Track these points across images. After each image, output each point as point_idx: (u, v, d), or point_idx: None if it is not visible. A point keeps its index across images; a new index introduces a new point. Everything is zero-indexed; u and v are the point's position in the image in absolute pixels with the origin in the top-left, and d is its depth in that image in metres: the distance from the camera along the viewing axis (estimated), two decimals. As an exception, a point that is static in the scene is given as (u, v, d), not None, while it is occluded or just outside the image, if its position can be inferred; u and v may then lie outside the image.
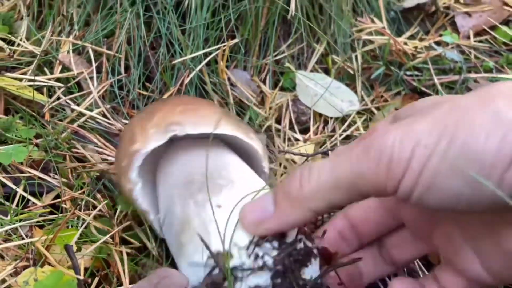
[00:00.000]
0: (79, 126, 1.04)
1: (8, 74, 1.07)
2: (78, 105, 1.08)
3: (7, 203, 0.87)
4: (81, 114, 1.06)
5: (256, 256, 0.60)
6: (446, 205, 0.52)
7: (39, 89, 1.09)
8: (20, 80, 1.07)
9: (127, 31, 1.18)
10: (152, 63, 1.18)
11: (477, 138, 0.48)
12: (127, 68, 1.19)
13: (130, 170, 0.72)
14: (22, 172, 0.93)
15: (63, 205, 0.88)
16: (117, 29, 1.18)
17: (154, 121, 0.73)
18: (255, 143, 0.77)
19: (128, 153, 0.72)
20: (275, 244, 0.62)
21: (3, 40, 1.16)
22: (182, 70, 1.17)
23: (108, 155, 0.99)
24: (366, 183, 0.54)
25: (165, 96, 1.13)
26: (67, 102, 1.08)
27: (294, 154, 1.03)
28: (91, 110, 1.07)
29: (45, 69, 1.14)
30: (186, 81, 1.14)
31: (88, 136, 1.02)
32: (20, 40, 1.16)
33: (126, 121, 1.09)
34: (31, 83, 1.06)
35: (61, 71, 1.13)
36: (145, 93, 1.16)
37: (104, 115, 1.08)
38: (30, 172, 0.92)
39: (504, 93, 0.50)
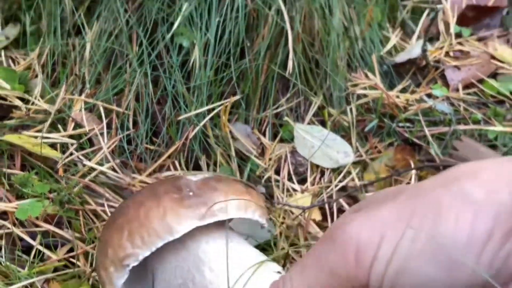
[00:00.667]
0: (90, 180, 1.11)
1: (25, 132, 1.14)
2: (89, 160, 1.16)
3: (24, 256, 0.93)
4: (92, 169, 1.14)
5: None
6: None
7: (53, 146, 1.16)
8: (36, 137, 1.15)
9: (136, 89, 1.26)
10: (159, 119, 1.26)
11: (446, 221, 0.48)
12: (135, 123, 1.27)
13: None
14: (37, 226, 1.00)
15: (77, 262, 0.94)
16: (126, 87, 1.26)
17: (109, 257, 0.72)
18: (224, 215, 0.73)
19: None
20: None
21: (20, 99, 1.24)
22: (187, 125, 1.24)
23: (118, 209, 1.06)
24: (338, 279, 0.52)
25: (170, 150, 1.21)
26: (79, 158, 1.15)
27: (291, 206, 1.10)
28: (102, 165, 1.14)
29: (59, 126, 1.21)
30: (190, 136, 1.22)
31: (99, 190, 1.09)
32: (35, 98, 1.25)
33: (135, 175, 1.16)
34: (46, 140, 1.14)
35: (74, 128, 1.20)
36: (152, 147, 1.23)
37: (113, 169, 1.15)
38: (45, 227, 0.99)
39: (468, 174, 0.50)
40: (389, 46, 1.54)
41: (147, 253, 0.69)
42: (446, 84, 1.47)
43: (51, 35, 1.36)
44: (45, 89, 1.30)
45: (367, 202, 0.59)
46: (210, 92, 1.28)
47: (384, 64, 1.50)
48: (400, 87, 1.47)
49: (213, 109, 1.24)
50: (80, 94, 1.27)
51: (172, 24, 1.26)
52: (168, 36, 1.27)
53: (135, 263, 0.69)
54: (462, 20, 1.64)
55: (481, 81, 1.48)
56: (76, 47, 1.33)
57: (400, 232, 0.50)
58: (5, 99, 1.23)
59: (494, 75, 1.50)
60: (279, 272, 0.68)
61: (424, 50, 1.45)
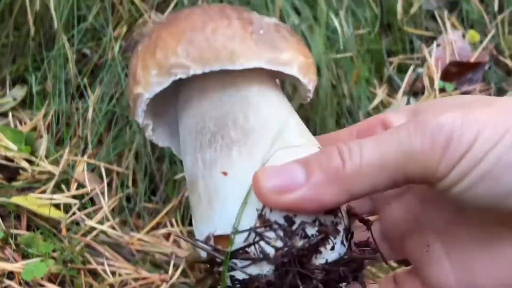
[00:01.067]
0: (91, 239, 1.18)
1: (32, 194, 1.22)
2: (91, 219, 1.23)
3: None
4: (93, 228, 1.21)
5: (257, 244, 0.54)
6: (489, 202, 0.49)
7: (57, 205, 1.23)
8: (41, 198, 1.22)
9: (135, 149, 1.34)
10: (157, 178, 1.34)
11: None
12: (134, 182, 1.34)
13: (136, 115, 0.64)
14: (42, 286, 1.06)
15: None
16: (126, 149, 1.34)
17: (156, 58, 0.60)
18: (289, 69, 0.62)
19: (132, 96, 0.64)
20: (281, 231, 0.54)
21: (26, 160, 1.32)
22: (183, 183, 1.32)
23: (119, 267, 1.13)
24: (416, 165, 0.49)
25: (167, 208, 1.28)
26: (81, 217, 1.22)
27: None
28: (102, 223, 1.22)
29: (63, 185, 1.29)
30: (186, 194, 1.29)
31: (99, 249, 1.16)
32: (40, 159, 1.32)
33: (133, 233, 1.23)
34: (50, 201, 1.21)
35: (77, 188, 1.28)
36: (150, 205, 1.31)
37: (113, 228, 1.22)
38: (49, 286, 1.06)
39: None
40: (376, 101, 1.62)
41: (199, 72, 0.58)
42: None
43: (56, 96, 1.44)
44: (49, 150, 1.38)
45: (431, 107, 0.57)
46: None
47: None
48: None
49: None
50: (82, 155, 1.35)
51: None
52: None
53: (183, 76, 0.58)
54: (446, 75, 1.72)
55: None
56: (80, 109, 1.41)
57: (498, 136, 0.47)
58: (12, 161, 1.31)
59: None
60: (320, 148, 0.61)
61: (408, 108, 1.53)
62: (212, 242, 0.56)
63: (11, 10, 1.54)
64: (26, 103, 1.54)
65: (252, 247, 0.54)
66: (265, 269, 0.54)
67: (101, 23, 1.47)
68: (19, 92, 1.54)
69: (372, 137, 0.52)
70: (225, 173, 0.57)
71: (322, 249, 0.55)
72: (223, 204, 0.56)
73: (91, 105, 1.38)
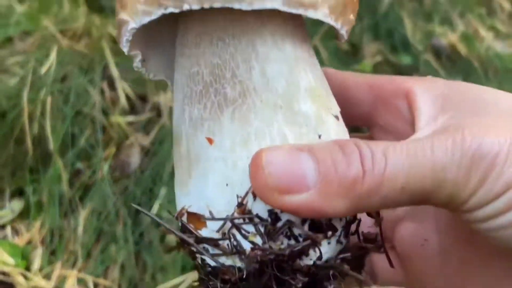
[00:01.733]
0: None
1: (25, 312, 1.35)
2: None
3: None
4: None
5: (232, 235, 0.46)
6: None
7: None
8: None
9: (121, 262, 1.48)
10: (141, 289, 1.47)
11: None
12: (120, 293, 1.48)
13: (121, 43, 0.51)
14: None
15: None
16: (112, 263, 1.48)
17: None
18: (312, 12, 0.47)
19: (117, 20, 0.51)
20: (261, 227, 0.45)
21: (22, 275, 1.45)
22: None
23: None
24: (444, 194, 0.42)
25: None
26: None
27: None
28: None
29: (54, 299, 1.42)
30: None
31: None
32: (34, 274, 1.46)
33: None
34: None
35: (67, 302, 1.41)
36: (134, 316, 1.44)
37: None
38: None
39: None
40: None
41: (195, 7, 0.45)
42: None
43: (51, 209, 1.59)
44: (44, 261, 1.51)
45: (463, 105, 0.49)
46: (183, 263, 1.49)
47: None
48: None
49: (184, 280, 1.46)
50: (73, 267, 1.49)
51: (151, 208, 1.50)
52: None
53: (175, 10, 0.46)
54: None
55: None
56: (71, 224, 1.56)
57: None
58: (8, 275, 1.45)
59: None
60: (337, 117, 0.51)
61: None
62: (185, 218, 0.48)
63: (12, 129, 1.71)
64: (23, 214, 1.68)
65: (227, 240, 0.46)
66: (239, 262, 0.46)
67: (92, 143, 1.64)
68: (17, 205, 1.69)
69: (401, 145, 0.43)
70: (210, 140, 0.47)
71: (310, 251, 0.46)
72: (202, 178, 0.47)
73: (81, 221, 1.53)
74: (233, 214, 0.46)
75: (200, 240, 0.47)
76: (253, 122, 0.47)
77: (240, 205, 0.46)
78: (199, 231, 0.47)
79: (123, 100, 1.67)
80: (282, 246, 0.45)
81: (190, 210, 0.48)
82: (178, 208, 0.50)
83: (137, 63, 0.55)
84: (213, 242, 0.47)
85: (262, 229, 0.45)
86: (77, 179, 1.66)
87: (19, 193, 1.74)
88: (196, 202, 0.48)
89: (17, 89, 1.67)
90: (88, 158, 1.65)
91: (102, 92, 1.69)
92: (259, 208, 0.45)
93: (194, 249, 0.48)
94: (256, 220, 0.45)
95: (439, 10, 2.20)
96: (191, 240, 0.47)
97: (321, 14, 0.47)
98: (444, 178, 0.41)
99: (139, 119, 1.67)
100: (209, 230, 0.47)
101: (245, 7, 0.44)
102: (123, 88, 1.69)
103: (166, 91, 1.68)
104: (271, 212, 0.45)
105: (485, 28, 2.22)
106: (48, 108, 1.63)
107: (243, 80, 0.48)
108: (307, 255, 0.46)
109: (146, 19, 0.47)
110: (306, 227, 0.46)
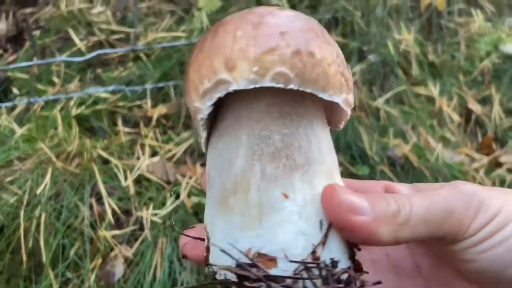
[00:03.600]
0: None
1: None
2: None
3: None
4: None
5: (302, 278, 0.52)
6: (497, 267, 0.55)
7: None
8: None
9: None
10: None
11: None
12: None
13: (196, 122, 0.58)
14: None
15: None
16: None
17: (202, 73, 0.54)
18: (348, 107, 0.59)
19: (190, 105, 0.58)
20: (324, 271, 0.53)
21: None
22: None
23: None
24: (454, 221, 0.55)
25: None
26: None
27: None
28: None
29: None
30: None
31: None
32: None
33: None
34: None
35: None
36: None
37: None
38: None
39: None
40: None
41: (249, 87, 0.53)
42: None
43: None
44: None
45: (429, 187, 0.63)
46: None
47: None
48: None
49: None
50: None
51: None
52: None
53: (230, 90, 0.53)
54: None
55: None
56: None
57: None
58: None
59: None
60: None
61: None
62: (255, 258, 0.53)
63: (9, 242, 1.90)
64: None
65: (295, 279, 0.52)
66: None
67: (81, 255, 1.83)
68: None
69: (418, 193, 0.57)
70: (286, 196, 0.54)
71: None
72: (277, 225, 0.53)
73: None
74: (306, 258, 0.53)
75: (272, 278, 0.52)
76: (317, 185, 0.55)
77: (313, 252, 0.53)
78: (269, 271, 0.53)
79: (109, 215, 1.88)
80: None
81: (262, 251, 0.53)
82: (242, 249, 0.54)
83: (203, 140, 0.60)
84: (283, 279, 0.52)
85: (324, 273, 0.52)
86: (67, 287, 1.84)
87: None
88: (269, 245, 0.53)
89: (15, 207, 1.88)
90: (77, 268, 1.83)
91: (91, 207, 1.90)
92: (325, 255, 0.54)
93: (264, 285, 0.52)
94: (322, 265, 0.53)
95: (394, 124, 2.47)
96: (261, 275, 0.52)
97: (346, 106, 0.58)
98: (452, 209, 0.55)
99: (123, 232, 1.87)
100: (280, 270, 0.52)
101: (327, 97, 0.54)
102: (109, 204, 1.90)
103: (148, 207, 1.89)
104: (332, 260, 0.54)
105: (436, 138, 2.48)
106: (42, 224, 1.83)
107: (307, 152, 0.56)
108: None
109: (210, 103, 0.55)
110: (350, 270, 0.55)
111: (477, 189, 0.56)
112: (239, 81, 0.52)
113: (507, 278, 0.56)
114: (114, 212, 1.90)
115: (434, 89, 2.74)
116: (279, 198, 0.54)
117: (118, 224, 1.90)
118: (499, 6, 3.31)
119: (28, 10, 3.11)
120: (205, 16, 2.71)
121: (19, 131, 2.15)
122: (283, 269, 0.52)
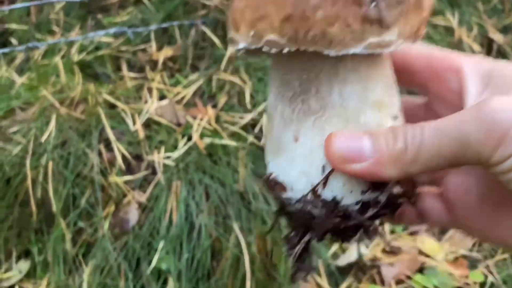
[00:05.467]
0: None
1: None
2: None
3: None
4: None
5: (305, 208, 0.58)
6: None
7: None
8: None
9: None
10: None
11: None
12: None
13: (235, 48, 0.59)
14: None
15: None
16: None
17: (255, 24, 0.54)
18: (390, 48, 0.54)
19: (229, 38, 0.59)
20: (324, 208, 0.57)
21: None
22: None
23: None
24: (472, 153, 0.51)
25: None
26: None
27: None
28: None
29: None
30: None
31: None
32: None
33: None
34: None
35: None
36: None
37: None
38: None
39: None
40: (333, 249, 1.87)
41: (292, 49, 0.53)
42: (382, 282, 1.78)
43: (55, 268, 1.69)
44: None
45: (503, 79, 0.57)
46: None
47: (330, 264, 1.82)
48: (344, 285, 1.78)
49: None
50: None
51: (150, 261, 1.60)
52: (149, 268, 1.60)
53: (274, 50, 0.54)
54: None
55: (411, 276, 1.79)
56: (76, 281, 1.65)
57: None
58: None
59: (421, 269, 1.81)
60: (395, 117, 0.60)
61: (359, 256, 1.78)
62: (271, 181, 0.60)
63: (17, 194, 1.82)
64: (30, 274, 1.78)
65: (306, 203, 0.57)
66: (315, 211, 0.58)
67: (92, 203, 1.75)
68: (24, 265, 1.79)
69: (434, 122, 0.53)
70: (296, 138, 0.58)
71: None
72: (288, 163, 0.59)
73: (85, 278, 1.62)
74: (307, 194, 0.57)
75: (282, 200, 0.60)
76: (328, 131, 0.56)
77: (314, 190, 0.57)
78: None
79: (119, 161, 1.79)
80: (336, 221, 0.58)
81: (277, 179, 0.60)
82: (269, 170, 0.61)
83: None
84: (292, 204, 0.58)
85: (324, 210, 0.57)
86: (79, 237, 1.76)
87: (25, 253, 1.84)
88: (282, 176, 0.59)
89: (20, 157, 1.79)
90: (89, 217, 1.76)
91: (100, 154, 1.81)
92: (326, 195, 0.57)
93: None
94: (320, 203, 0.57)
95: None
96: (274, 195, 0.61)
97: (395, 46, 0.55)
98: (468, 142, 0.51)
99: (135, 177, 1.78)
100: (290, 197, 0.59)
101: (333, 53, 0.53)
102: (119, 149, 1.80)
103: (160, 151, 1.80)
104: (334, 198, 0.57)
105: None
106: (50, 173, 1.75)
107: (324, 97, 0.57)
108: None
109: (251, 46, 0.55)
110: (358, 208, 0.58)
111: (506, 114, 0.50)
112: (242, 42, 0.55)
113: None
114: (124, 158, 1.81)
115: (452, 19, 2.59)
116: (290, 140, 0.58)
117: (129, 169, 1.81)
118: None
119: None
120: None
121: (20, 80, 2.05)
122: (292, 197, 0.58)
